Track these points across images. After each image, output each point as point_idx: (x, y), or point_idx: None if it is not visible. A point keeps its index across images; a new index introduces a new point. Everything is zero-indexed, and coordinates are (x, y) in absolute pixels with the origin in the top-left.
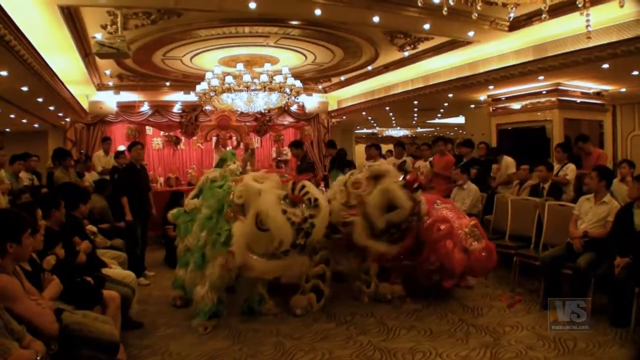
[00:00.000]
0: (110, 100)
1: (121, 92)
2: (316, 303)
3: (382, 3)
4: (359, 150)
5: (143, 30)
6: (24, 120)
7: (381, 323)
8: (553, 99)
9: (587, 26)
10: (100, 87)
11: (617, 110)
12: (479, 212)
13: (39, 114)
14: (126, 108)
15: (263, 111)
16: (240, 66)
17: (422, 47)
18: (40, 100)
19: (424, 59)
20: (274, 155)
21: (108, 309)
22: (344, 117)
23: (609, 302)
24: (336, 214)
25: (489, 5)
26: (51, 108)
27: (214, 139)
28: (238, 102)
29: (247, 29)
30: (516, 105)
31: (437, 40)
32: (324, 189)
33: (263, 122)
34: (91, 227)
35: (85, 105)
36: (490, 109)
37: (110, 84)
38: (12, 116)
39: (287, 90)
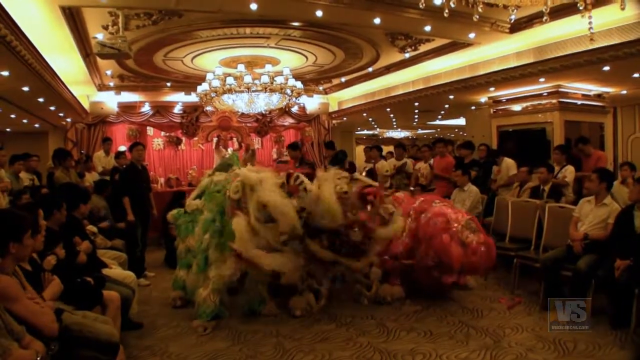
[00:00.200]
0: (111, 101)
1: (122, 93)
2: (315, 303)
3: (383, 4)
4: (360, 152)
5: (144, 30)
6: (25, 121)
7: (381, 324)
8: (554, 100)
9: (590, 28)
10: (101, 87)
11: (617, 113)
12: (479, 213)
13: (39, 114)
14: (127, 108)
15: (264, 112)
16: (241, 67)
17: (423, 48)
18: (41, 100)
19: (425, 60)
20: (274, 156)
21: (108, 309)
22: (345, 119)
23: (608, 303)
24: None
25: (490, 7)
26: (52, 108)
27: (215, 139)
28: (239, 103)
29: (248, 30)
30: (517, 107)
31: (438, 42)
32: None
33: (264, 123)
34: (91, 228)
35: (86, 106)
36: (491, 110)
37: (111, 84)
38: (12, 116)
39: (288, 91)
